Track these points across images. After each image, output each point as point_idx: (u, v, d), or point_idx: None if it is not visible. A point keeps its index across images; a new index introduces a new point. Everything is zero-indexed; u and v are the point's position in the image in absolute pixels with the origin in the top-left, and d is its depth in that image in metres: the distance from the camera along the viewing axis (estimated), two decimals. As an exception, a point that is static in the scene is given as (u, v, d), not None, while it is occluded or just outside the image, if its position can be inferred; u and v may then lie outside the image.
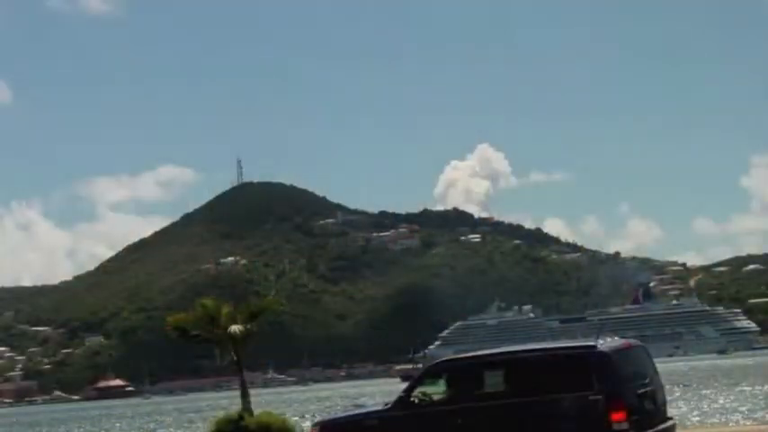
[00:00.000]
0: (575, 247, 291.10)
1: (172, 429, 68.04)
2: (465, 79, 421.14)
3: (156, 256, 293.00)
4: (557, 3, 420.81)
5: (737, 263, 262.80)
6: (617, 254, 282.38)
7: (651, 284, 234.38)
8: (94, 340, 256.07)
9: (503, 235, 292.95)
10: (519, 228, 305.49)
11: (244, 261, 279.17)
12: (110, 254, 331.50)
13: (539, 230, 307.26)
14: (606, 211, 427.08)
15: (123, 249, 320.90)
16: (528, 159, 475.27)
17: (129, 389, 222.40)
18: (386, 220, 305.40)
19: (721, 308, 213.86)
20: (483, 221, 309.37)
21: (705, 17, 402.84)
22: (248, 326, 25.05)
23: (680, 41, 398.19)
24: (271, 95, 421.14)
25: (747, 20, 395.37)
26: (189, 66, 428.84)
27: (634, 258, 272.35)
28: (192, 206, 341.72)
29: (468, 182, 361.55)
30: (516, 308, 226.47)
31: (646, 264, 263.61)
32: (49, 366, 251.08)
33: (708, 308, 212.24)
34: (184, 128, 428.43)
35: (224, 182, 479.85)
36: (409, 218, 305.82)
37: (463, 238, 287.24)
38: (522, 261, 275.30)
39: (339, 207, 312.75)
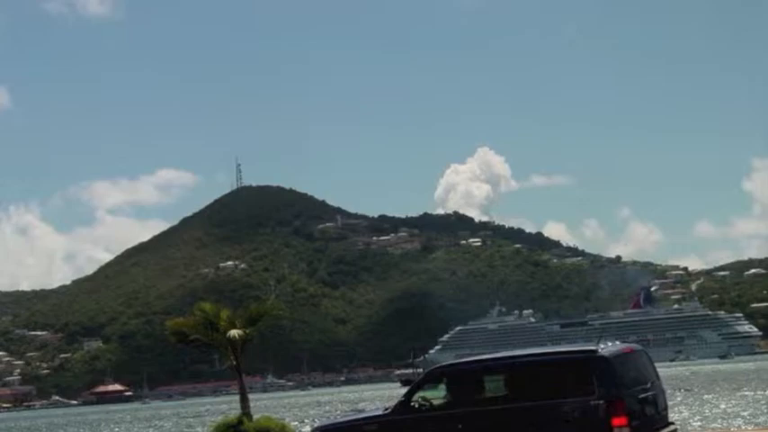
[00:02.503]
0: (576, 252, 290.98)
1: (171, 434, 67.84)
2: (465, 82, 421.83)
3: (154, 261, 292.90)
4: (557, 4, 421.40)
5: (739, 267, 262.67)
6: (618, 258, 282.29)
7: (652, 289, 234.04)
8: (93, 345, 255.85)
9: (503, 239, 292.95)
10: (519, 232, 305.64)
11: (243, 265, 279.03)
12: (108, 258, 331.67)
13: (539, 234, 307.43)
14: (607, 215, 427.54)
15: (122, 253, 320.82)
16: (529, 163, 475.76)
17: (128, 394, 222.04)
18: (386, 224, 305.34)
19: (723, 312, 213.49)
20: (483, 225, 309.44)
21: (706, 19, 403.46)
22: (247, 330, 24.91)
23: (681, 43, 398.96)
24: (270, 99, 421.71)
25: (749, 21, 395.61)
26: (187, 69, 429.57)
27: (635, 262, 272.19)
28: (190, 210, 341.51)
29: (468, 185, 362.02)
30: (517, 312, 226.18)
31: (647, 268, 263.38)
32: (47, 371, 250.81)
33: (709, 312, 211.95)
34: (183, 131, 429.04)
35: (223, 185, 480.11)
36: (409, 222, 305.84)
37: (463, 242, 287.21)
38: (523, 265, 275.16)
39: (339, 211, 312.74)
